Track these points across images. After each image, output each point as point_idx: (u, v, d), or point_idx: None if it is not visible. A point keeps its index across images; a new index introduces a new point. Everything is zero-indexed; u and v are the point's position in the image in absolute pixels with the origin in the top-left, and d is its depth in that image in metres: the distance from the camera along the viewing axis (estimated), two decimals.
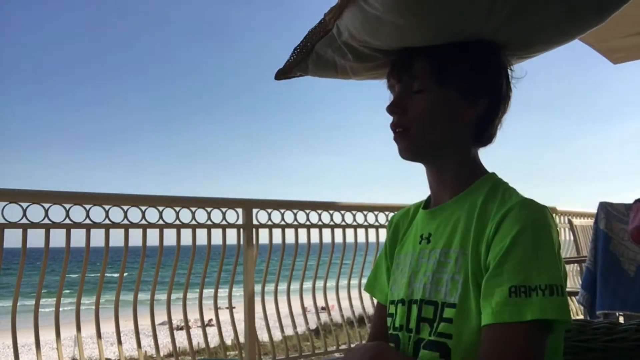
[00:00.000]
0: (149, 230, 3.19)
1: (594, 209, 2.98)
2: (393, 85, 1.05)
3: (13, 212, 2.76)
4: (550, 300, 0.82)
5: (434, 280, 0.96)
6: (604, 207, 2.90)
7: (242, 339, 3.57)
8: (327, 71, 1.16)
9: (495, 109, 1.01)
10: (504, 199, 0.94)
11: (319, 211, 3.88)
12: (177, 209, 3.31)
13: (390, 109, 1.02)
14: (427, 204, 1.09)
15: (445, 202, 1.02)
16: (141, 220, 3.16)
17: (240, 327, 3.55)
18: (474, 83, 0.98)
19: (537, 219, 0.88)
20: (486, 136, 1.04)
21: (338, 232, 3.96)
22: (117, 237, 3.07)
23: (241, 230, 3.54)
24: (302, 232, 3.80)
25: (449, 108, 0.99)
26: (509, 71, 1.04)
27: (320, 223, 3.87)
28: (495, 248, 0.88)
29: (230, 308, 3.58)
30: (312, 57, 1.14)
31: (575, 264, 4.58)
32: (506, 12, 0.92)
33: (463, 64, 0.98)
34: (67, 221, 2.90)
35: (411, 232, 1.10)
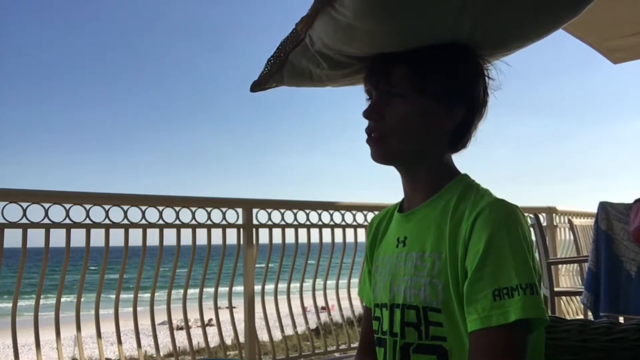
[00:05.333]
0: (149, 230, 3.19)
1: (593, 209, 2.98)
2: (370, 90, 1.04)
3: (13, 212, 2.77)
4: (530, 299, 0.83)
5: (413, 284, 0.97)
6: (604, 207, 2.89)
7: (242, 339, 3.57)
8: (303, 80, 1.16)
9: (472, 117, 1.01)
10: (476, 199, 0.94)
11: (319, 211, 3.88)
12: (177, 209, 3.31)
13: (367, 115, 1.01)
14: (401, 206, 1.09)
15: (418, 206, 1.02)
16: (141, 220, 3.16)
17: (240, 327, 3.55)
18: (451, 91, 0.98)
19: (508, 220, 0.89)
20: (462, 143, 1.04)
21: (338, 232, 3.96)
22: (117, 237, 3.08)
23: (241, 230, 3.54)
24: (302, 232, 3.80)
25: (427, 117, 0.98)
26: (487, 77, 1.03)
27: (320, 223, 3.87)
28: (471, 252, 0.89)
29: (230, 308, 3.58)
30: (286, 67, 1.13)
31: (576, 264, 4.58)
32: (479, 10, 0.91)
33: (440, 71, 0.98)
34: (67, 221, 2.90)
35: (389, 234, 1.10)
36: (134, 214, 3.13)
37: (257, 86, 1.20)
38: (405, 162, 1.03)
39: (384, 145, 1.00)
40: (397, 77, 0.98)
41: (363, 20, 0.92)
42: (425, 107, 0.98)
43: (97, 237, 3.05)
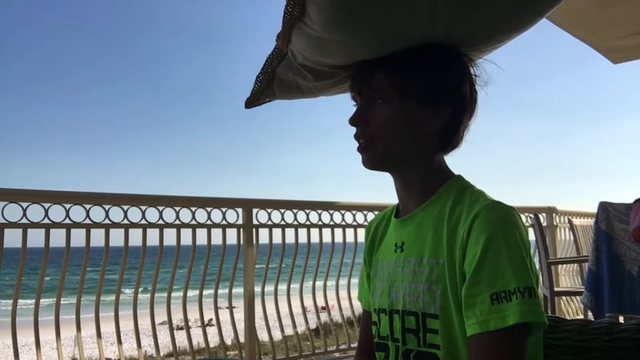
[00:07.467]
0: (149, 230, 3.19)
1: (593, 209, 2.98)
2: (355, 96, 1.04)
3: (13, 212, 2.77)
4: (528, 302, 0.83)
5: (411, 291, 0.96)
6: (604, 207, 2.89)
7: (242, 339, 3.57)
8: (294, 93, 1.16)
9: (460, 116, 1.00)
10: (472, 202, 0.93)
11: (319, 211, 3.88)
12: (177, 208, 3.31)
13: (352, 121, 1.01)
14: (397, 211, 1.09)
15: (413, 210, 1.02)
16: (141, 220, 3.16)
17: (240, 327, 3.55)
18: (435, 93, 0.97)
19: (504, 222, 0.89)
20: (452, 143, 1.03)
21: (338, 232, 3.96)
22: (117, 237, 3.08)
23: (241, 230, 3.54)
24: (302, 232, 3.79)
25: (411, 119, 0.98)
26: (473, 75, 1.02)
27: (320, 223, 3.87)
28: (468, 256, 0.89)
29: (230, 308, 3.58)
30: (275, 81, 1.14)
31: (576, 264, 4.58)
32: (451, 13, 0.91)
33: (422, 74, 0.97)
34: (67, 221, 2.90)
35: (387, 238, 1.10)
36: (134, 214, 3.14)
37: (250, 103, 1.22)
38: (395, 166, 1.03)
39: (372, 151, 1.00)
40: (379, 82, 0.98)
41: (332, 33, 0.93)
42: (409, 109, 0.97)
43: (97, 237, 3.05)
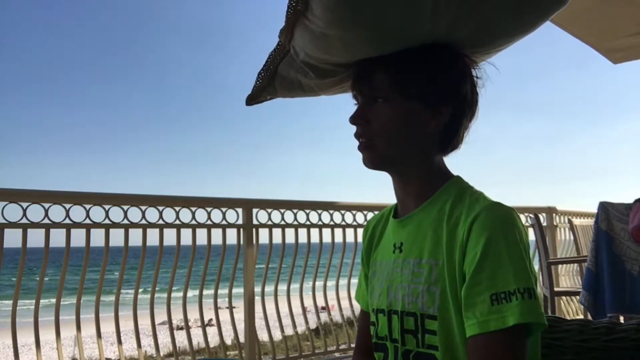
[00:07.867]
0: (149, 230, 3.19)
1: (593, 209, 2.98)
2: (356, 95, 1.04)
3: (13, 212, 2.77)
4: (528, 303, 0.83)
5: (410, 291, 0.96)
6: (604, 207, 2.89)
7: (242, 339, 3.57)
8: (295, 91, 1.16)
9: (460, 117, 1.00)
10: (471, 203, 0.94)
11: (319, 211, 3.88)
12: (177, 208, 3.31)
13: (353, 120, 1.01)
14: (396, 212, 1.08)
15: (412, 211, 1.02)
16: (141, 220, 3.16)
17: (240, 327, 3.55)
18: (435, 93, 0.97)
19: (504, 223, 0.89)
20: (451, 144, 1.02)
21: (338, 232, 3.95)
22: (117, 237, 3.08)
23: (241, 230, 3.54)
24: (302, 232, 3.79)
25: (411, 119, 0.98)
26: (474, 76, 1.02)
27: (320, 223, 3.87)
28: (468, 256, 0.89)
29: (230, 308, 3.58)
30: (277, 79, 1.15)
31: (576, 264, 4.58)
32: (453, 12, 0.91)
33: (423, 74, 0.97)
34: (67, 221, 2.90)
35: (385, 239, 1.10)
36: (134, 214, 3.13)
37: (251, 100, 1.22)
38: (395, 166, 1.03)
39: (373, 150, 1.00)
40: (379, 81, 0.98)
41: (334, 29, 0.93)
42: (409, 109, 0.97)
43: (97, 237, 3.05)
